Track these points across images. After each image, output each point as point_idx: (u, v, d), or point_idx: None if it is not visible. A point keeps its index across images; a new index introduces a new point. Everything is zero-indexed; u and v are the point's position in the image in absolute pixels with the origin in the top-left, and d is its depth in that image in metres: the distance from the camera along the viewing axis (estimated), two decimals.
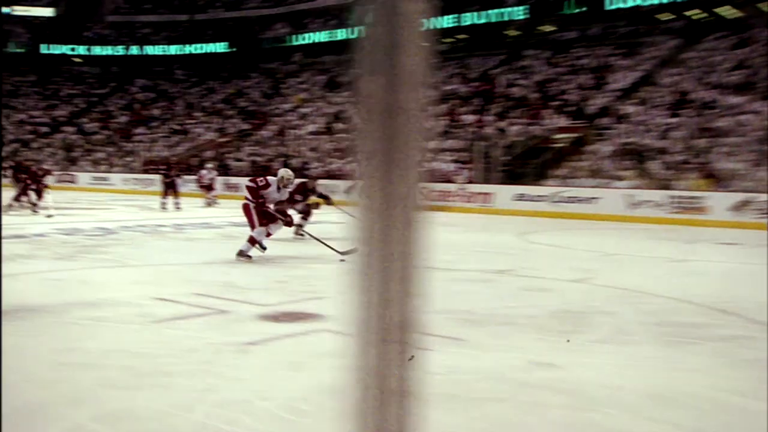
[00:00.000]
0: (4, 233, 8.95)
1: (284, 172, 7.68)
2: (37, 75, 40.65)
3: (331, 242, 7.58)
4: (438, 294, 5.20)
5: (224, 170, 22.60)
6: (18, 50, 40.95)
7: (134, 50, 40.09)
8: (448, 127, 21.90)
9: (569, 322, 4.23)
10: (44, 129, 35.63)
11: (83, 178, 27.33)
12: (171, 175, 15.90)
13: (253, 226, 7.41)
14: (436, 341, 3.71)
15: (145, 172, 24.84)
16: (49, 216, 12.28)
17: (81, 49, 40.76)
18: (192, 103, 34.75)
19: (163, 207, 15.48)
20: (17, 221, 11.09)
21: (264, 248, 7.36)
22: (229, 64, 37.17)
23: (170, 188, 15.76)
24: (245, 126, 29.87)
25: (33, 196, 14.03)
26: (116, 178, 25.61)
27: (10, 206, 13.69)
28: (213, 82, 36.76)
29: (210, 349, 3.53)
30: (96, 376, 3.03)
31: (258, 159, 25.15)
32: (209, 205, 17.04)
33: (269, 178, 7.65)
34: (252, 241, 7.31)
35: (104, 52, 40.40)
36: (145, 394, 2.82)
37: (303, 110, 28.76)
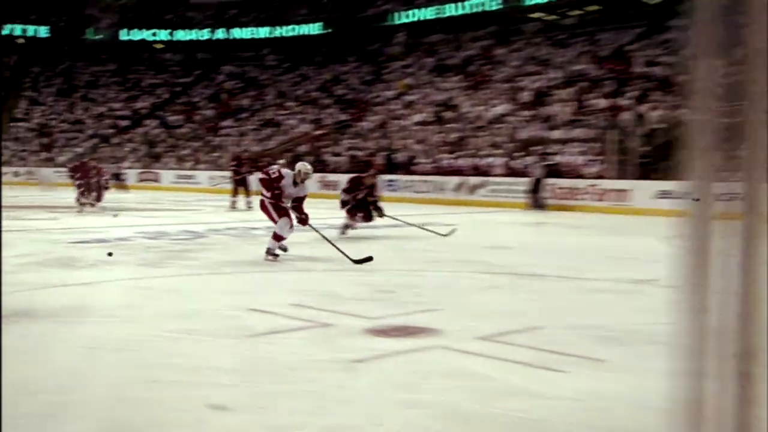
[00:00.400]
0: (85, 237, 9.54)
1: (302, 166, 7.95)
2: (117, 63, 42.92)
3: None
4: (569, 307, 5.22)
5: (321, 166, 23.11)
6: (96, 37, 43.27)
7: (220, 34, 41.51)
8: (575, 114, 21.39)
9: (730, 342, 3.99)
10: (125, 123, 37.83)
11: (167, 176, 28.59)
12: (242, 172, 16.28)
13: (274, 221, 7.77)
14: (570, 361, 3.65)
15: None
16: (115, 215, 13.11)
17: (163, 34, 42.44)
18: (284, 92, 35.73)
19: (233, 206, 15.76)
20: (96, 224, 11.74)
21: (285, 249, 7.69)
22: (325, 48, 37.80)
23: (241, 186, 16.09)
24: (343, 117, 30.37)
25: (94, 195, 15.06)
26: (203, 176, 26.71)
27: (81, 205, 14.69)
28: (307, 67, 37.59)
29: (313, 366, 3.59)
30: (189, 396, 3.13)
31: (358, 153, 25.50)
32: None
33: (283, 170, 7.96)
34: (276, 237, 7.63)
35: (188, 37, 41.87)
36: (243, 417, 2.88)
37: (408, 98, 28.89)
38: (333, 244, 7.84)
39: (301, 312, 4.87)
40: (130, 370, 3.50)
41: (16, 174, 31.91)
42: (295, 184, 7.82)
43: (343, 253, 7.50)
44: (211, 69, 41.40)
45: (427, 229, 7.57)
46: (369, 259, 7.34)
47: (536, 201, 17.36)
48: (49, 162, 31.86)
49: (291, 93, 35.32)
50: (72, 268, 6.92)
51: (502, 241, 10.07)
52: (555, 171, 18.00)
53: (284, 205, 7.80)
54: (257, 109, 34.91)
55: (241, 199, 15.89)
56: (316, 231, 8.07)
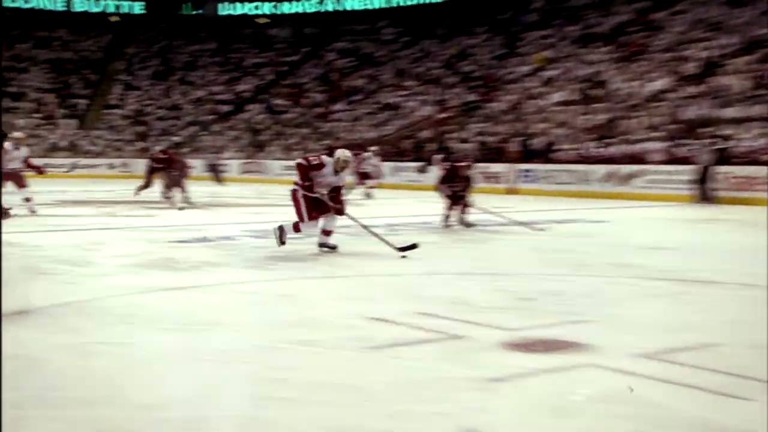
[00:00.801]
0: (186, 235, 9.92)
1: (341, 153, 8.42)
2: (217, 42, 44.16)
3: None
4: (749, 320, 5.01)
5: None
6: (194, 12, 44.58)
7: (330, 5, 42.03)
8: (754, 89, 20.43)
9: None
10: (226, 108, 39.09)
11: (273, 167, 29.23)
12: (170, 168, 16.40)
13: (301, 219, 8.30)
14: (756, 387, 3.52)
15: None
16: (181, 209, 13.82)
17: (266, 7, 43.39)
18: (403, 70, 35.86)
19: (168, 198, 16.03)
20: (197, 221, 12.11)
21: (283, 242, 8.20)
22: (450, 17, 37.63)
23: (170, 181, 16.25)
24: (471, 97, 30.17)
25: (179, 189, 15.68)
26: None
27: (167, 199, 15.45)
28: (429, 41, 37.55)
29: (446, 385, 3.59)
30: (308, 416, 3.18)
31: (488, 139, 25.34)
32: (368, 196, 18.04)
33: (324, 157, 8.45)
34: (297, 229, 8.24)
35: (294, 10, 42.66)
36: None
37: (547, 73, 28.41)
38: (375, 234, 8.37)
39: (428, 322, 4.88)
40: (239, 386, 3.57)
41: (110, 166, 33.72)
42: (335, 172, 8.34)
43: (386, 242, 8.07)
44: (320, 45, 42.00)
45: (385, 241, 8.17)
46: (414, 246, 7.97)
47: (704, 193, 16.86)
48: (145, 153, 33.62)
49: (411, 71, 35.35)
50: (173, 270, 7.15)
51: (662, 240, 9.84)
52: (727, 157, 17.33)
53: (319, 196, 8.26)
54: (372, 91, 35.22)
55: None
56: (355, 221, 8.53)
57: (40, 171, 13.35)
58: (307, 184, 8.28)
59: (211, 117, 38.81)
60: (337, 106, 35.07)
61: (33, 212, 12.78)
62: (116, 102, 40.84)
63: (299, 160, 8.53)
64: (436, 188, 11.66)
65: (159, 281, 6.52)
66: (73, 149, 35.21)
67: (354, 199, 16.20)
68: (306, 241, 8.80)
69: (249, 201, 16.80)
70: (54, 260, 7.60)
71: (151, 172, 16.60)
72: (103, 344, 4.33)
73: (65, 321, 4.88)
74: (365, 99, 34.72)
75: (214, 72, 42.60)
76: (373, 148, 20.83)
